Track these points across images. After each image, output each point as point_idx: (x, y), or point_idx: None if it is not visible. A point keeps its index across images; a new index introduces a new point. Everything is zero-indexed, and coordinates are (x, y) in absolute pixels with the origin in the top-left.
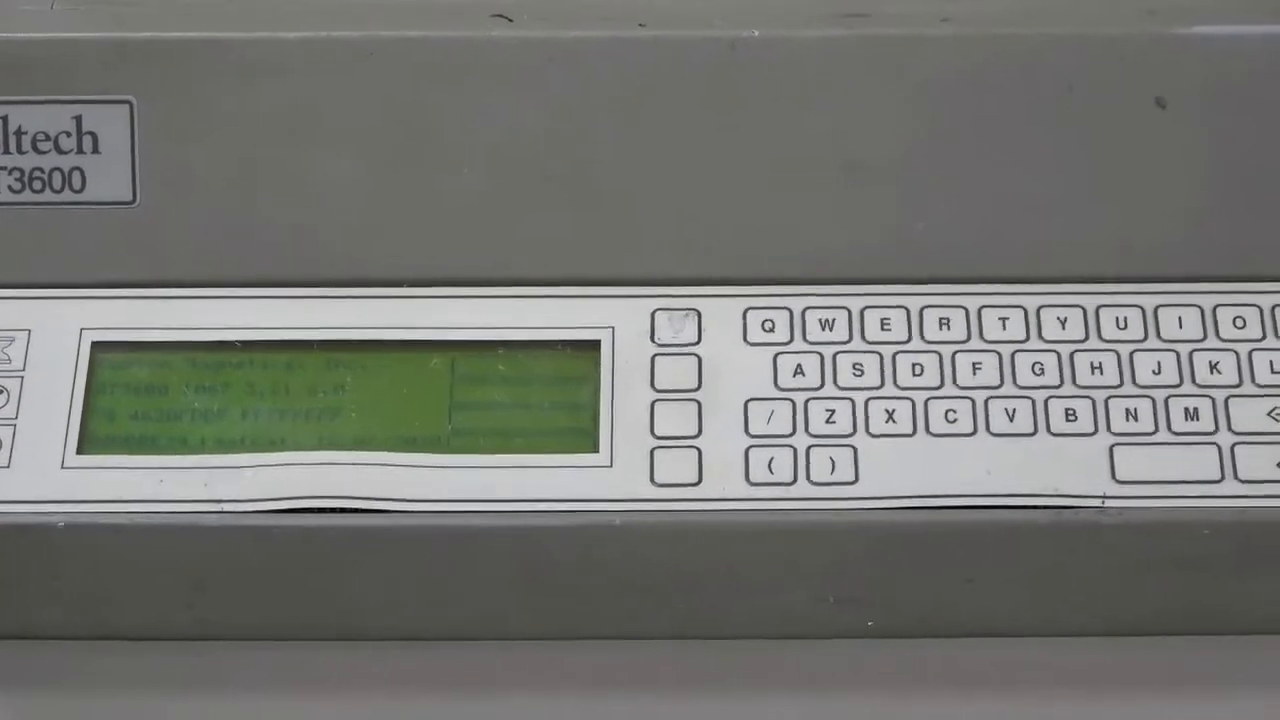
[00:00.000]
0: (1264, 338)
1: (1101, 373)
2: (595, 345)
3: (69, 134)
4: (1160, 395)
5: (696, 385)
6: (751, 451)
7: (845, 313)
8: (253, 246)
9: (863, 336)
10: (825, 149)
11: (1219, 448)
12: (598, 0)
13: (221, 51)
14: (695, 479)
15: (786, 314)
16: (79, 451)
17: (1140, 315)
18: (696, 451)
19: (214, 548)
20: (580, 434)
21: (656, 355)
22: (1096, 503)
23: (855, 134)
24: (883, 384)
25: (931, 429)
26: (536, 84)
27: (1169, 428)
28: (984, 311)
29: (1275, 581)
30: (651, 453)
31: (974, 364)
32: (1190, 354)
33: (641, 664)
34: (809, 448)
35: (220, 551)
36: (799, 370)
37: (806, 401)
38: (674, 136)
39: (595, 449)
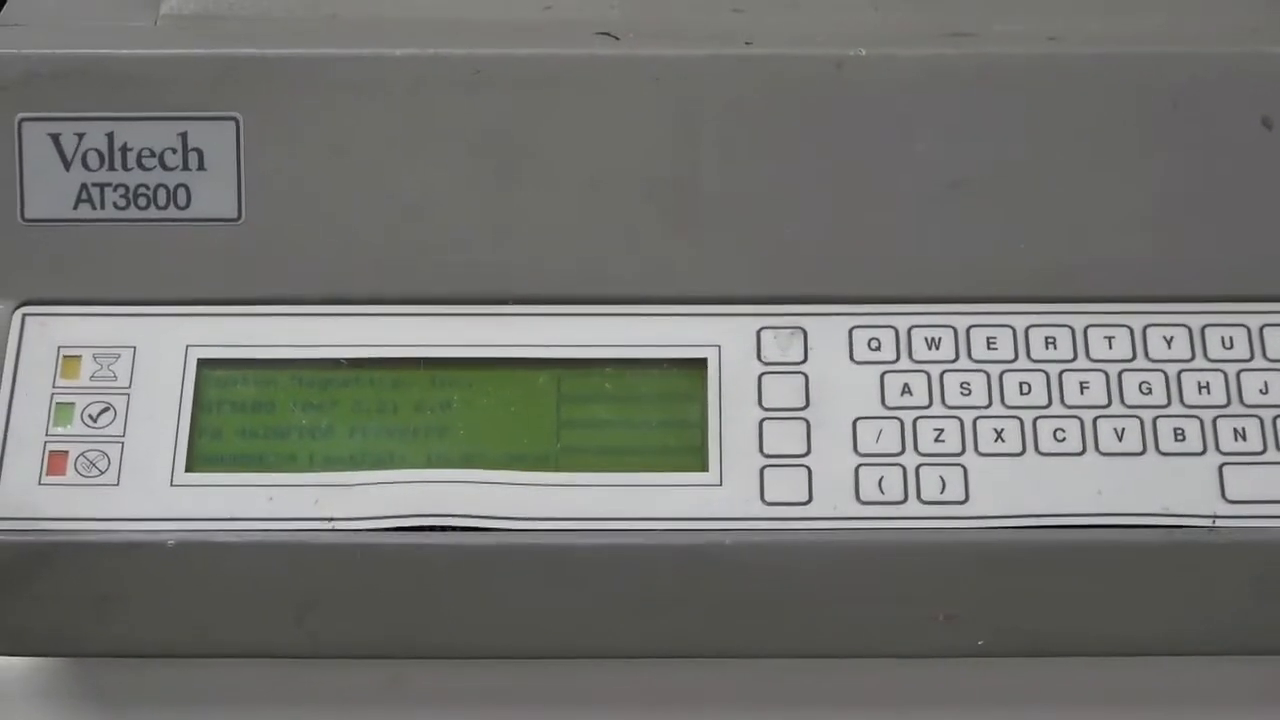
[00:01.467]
0: None
1: (1209, 392)
2: (702, 364)
3: (174, 150)
4: (1268, 414)
5: (804, 404)
6: (861, 470)
7: (951, 331)
8: (357, 264)
9: (969, 355)
10: (931, 167)
11: None
12: (704, 18)
13: (326, 68)
14: (805, 498)
15: (892, 332)
16: (187, 469)
17: (1246, 335)
18: (806, 470)
19: (324, 566)
20: (690, 452)
21: (763, 374)
22: (1207, 522)
23: (960, 152)
24: (990, 403)
25: (1041, 448)
26: (642, 102)
27: (1278, 447)
28: (1090, 331)
29: None
30: (761, 471)
31: (1081, 383)
32: None
33: (753, 682)
34: (919, 466)
35: (330, 569)
36: (906, 389)
37: (915, 420)
38: (779, 154)
39: (705, 468)
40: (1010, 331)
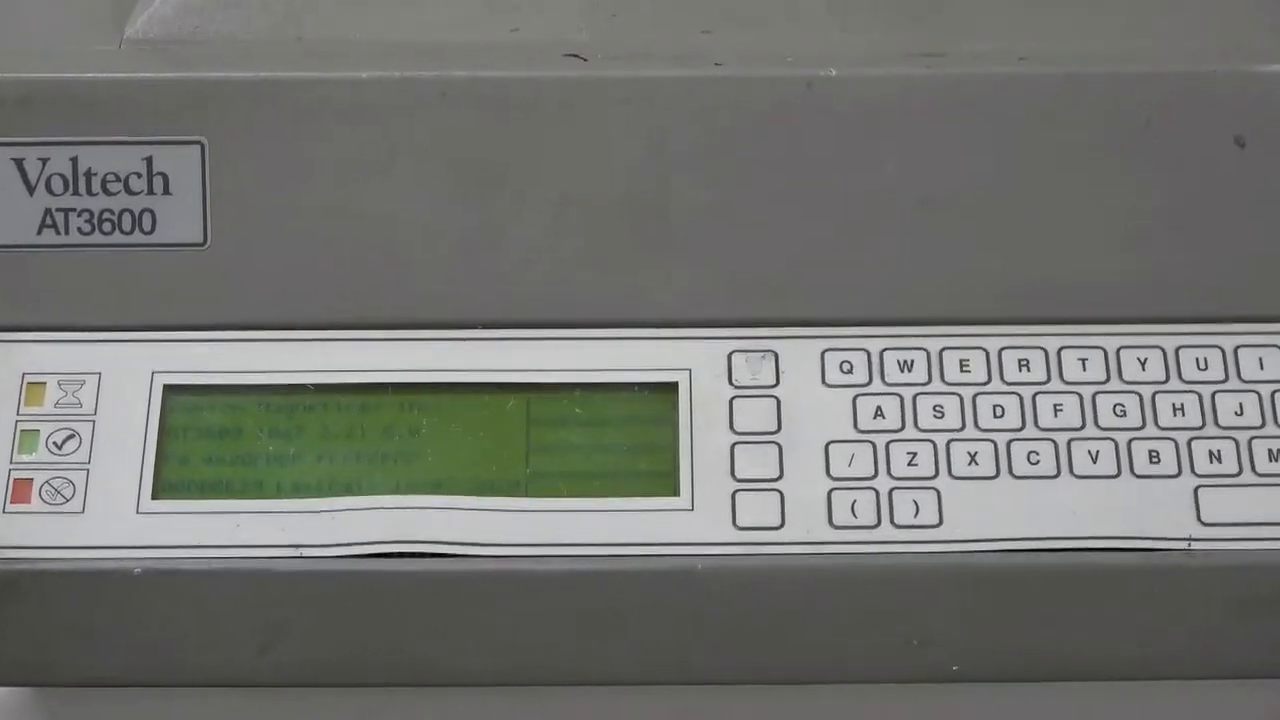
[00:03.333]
0: None
1: (1183, 414)
2: (673, 387)
3: (139, 175)
4: (1244, 436)
5: (776, 427)
6: (834, 494)
7: (924, 354)
8: (325, 288)
9: (942, 378)
10: (901, 188)
11: None
12: (673, 39)
13: (293, 92)
14: (778, 522)
15: (864, 355)
16: (154, 496)
17: (1220, 356)
18: (778, 494)
19: (292, 593)
20: (660, 477)
21: (735, 397)
22: (1183, 545)
23: (931, 173)
24: (964, 426)
25: (1015, 471)
26: (610, 123)
27: (1253, 469)
28: (1064, 353)
29: None
30: (733, 496)
31: (1055, 405)
32: (1272, 395)
33: (725, 710)
34: (891, 490)
35: (298, 597)
36: (879, 412)
37: (888, 444)
38: (749, 176)
39: (676, 492)
40: (983, 354)
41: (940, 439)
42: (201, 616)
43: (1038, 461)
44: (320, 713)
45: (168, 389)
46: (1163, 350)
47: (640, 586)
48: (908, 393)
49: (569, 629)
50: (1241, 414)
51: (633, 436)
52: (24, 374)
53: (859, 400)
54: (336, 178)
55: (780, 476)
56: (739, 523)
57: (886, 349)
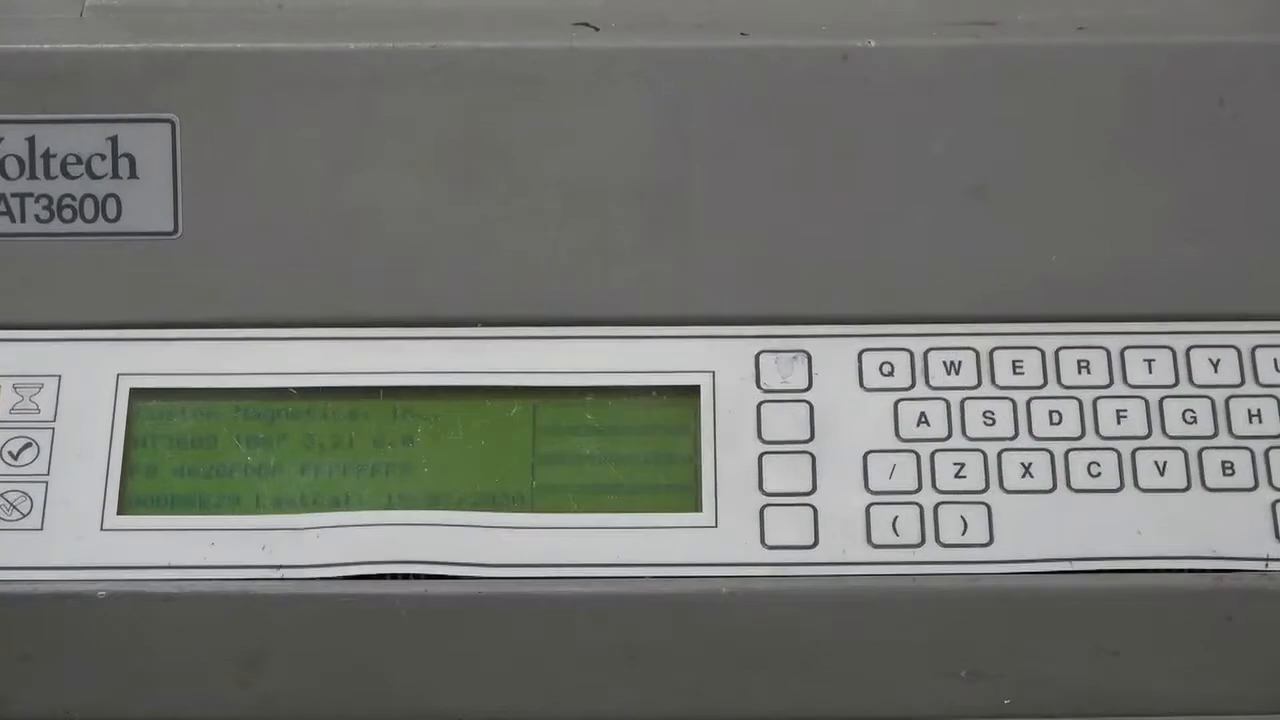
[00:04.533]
0: None
1: (1260, 420)
2: (694, 391)
3: (103, 156)
4: None
5: (809, 436)
6: (873, 510)
7: (973, 354)
8: (309, 282)
9: (993, 381)
10: (949, 172)
11: None
12: (694, 6)
13: (273, 65)
14: (811, 540)
15: (907, 356)
16: (119, 512)
17: None
18: (811, 510)
19: (273, 618)
20: (680, 491)
21: (763, 402)
22: (1259, 565)
23: (982, 155)
24: (1017, 434)
25: (1073, 484)
26: (625, 100)
27: None
28: (1128, 353)
29: None
30: (761, 511)
31: (1118, 411)
32: None
33: None
34: (937, 505)
35: (280, 622)
36: (923, 419)
37: (933, 454)
38: (779, 158)
39: (698, 507)
40: (1038, 354)
41: (991, 448)
42: (173, 645)
43: (1099, 473)
44: None
45: (134, 393)
46: (1237, 350)
47: (658, 612)
48: (954, 397)
49: (578, 659)
50: None
51: (650, 446)
52: None
53: (901, 405)
54: (322, 160)
55: (813, 490)
56: (768, 541)
57: (931, 349)
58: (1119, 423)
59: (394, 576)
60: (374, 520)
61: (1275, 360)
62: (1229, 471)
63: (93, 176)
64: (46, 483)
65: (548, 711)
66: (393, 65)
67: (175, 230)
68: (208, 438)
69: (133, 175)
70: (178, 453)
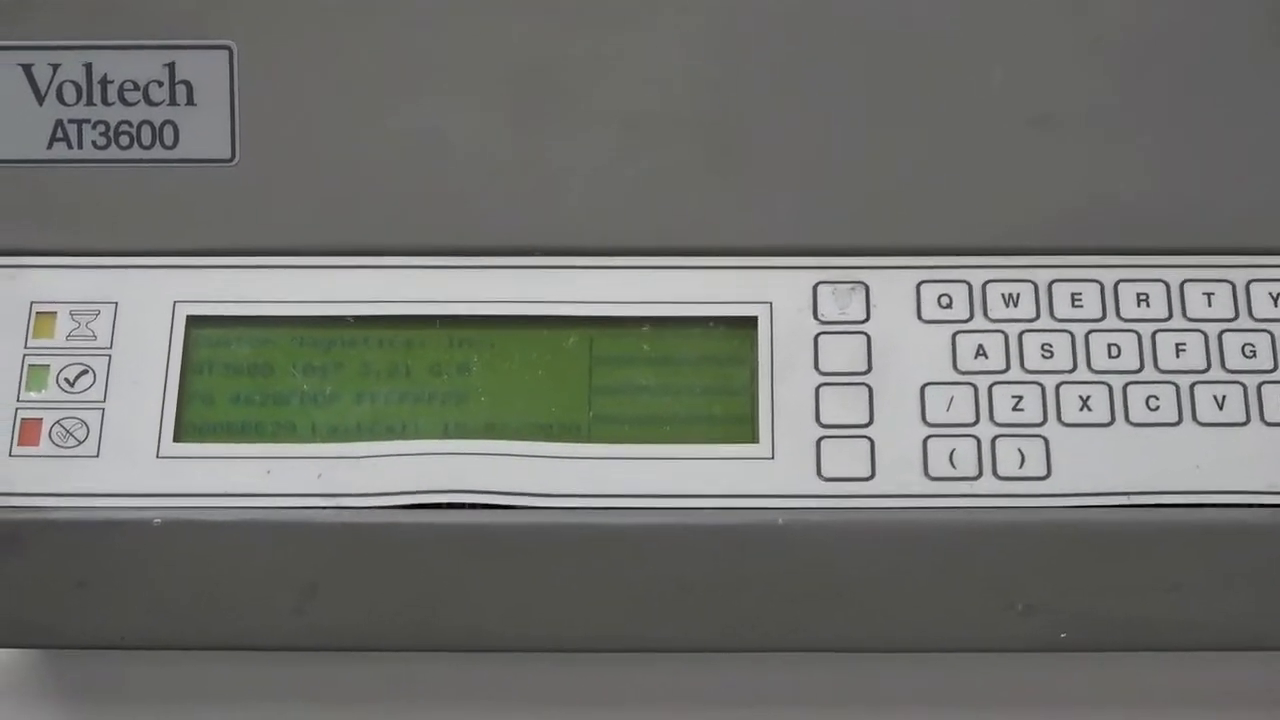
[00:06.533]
0: None
1: None
2: (751, 322)
3: (160, 83)
4: None
5: (866, 368)
6: (930, 442)
7: (1031, 286)
8: (365, 209)
9: (1051, 313)
10: (1009, 101)
11: None
12: None
13: None
14: (867, 473)
15: (965, 288)
16: (175, 439)
17: None
18: (868, 442)
19: (328, 547)
20: (737, 422)
21: (820, 334)
22: None
23: (1043, 83)
24: (1075, 367)
25: (1131, 418)
26: (682, 26)
27: None
28: (1187, 286)
29: None
30: (818, 443)
31: (1177, 345)
32: None
33: (807, 679)
34: (994, 438)
35: (335, 551)
36: (981, 351)
37: (990, 386)
38: (838, 86)
39: (754, 439)
40: (1097, 287)
41: (1049, 381)
42: (227, 572)
43: (1157, 407)
44: (358, 679)
45: (191, 320)
46: None
47: (714, 543)
48: (1013, 330)
49: (633, 589)
50: None
51: (707, 377)
52: (32, 303)
53: (958, 338)
54: (379, 86)
55: (870, 422)
56: (824, 473)
57: (989, 281)
58: (1178, 356)
59: (448, 506)
60: (430, 449)
61: None
62: None
63: (150, 103)
64: (103, 410)
65: (601, 642)
66: None
67: (232, 157)
68: (264, 365)
69: (190, 102)
70: (234, 380)
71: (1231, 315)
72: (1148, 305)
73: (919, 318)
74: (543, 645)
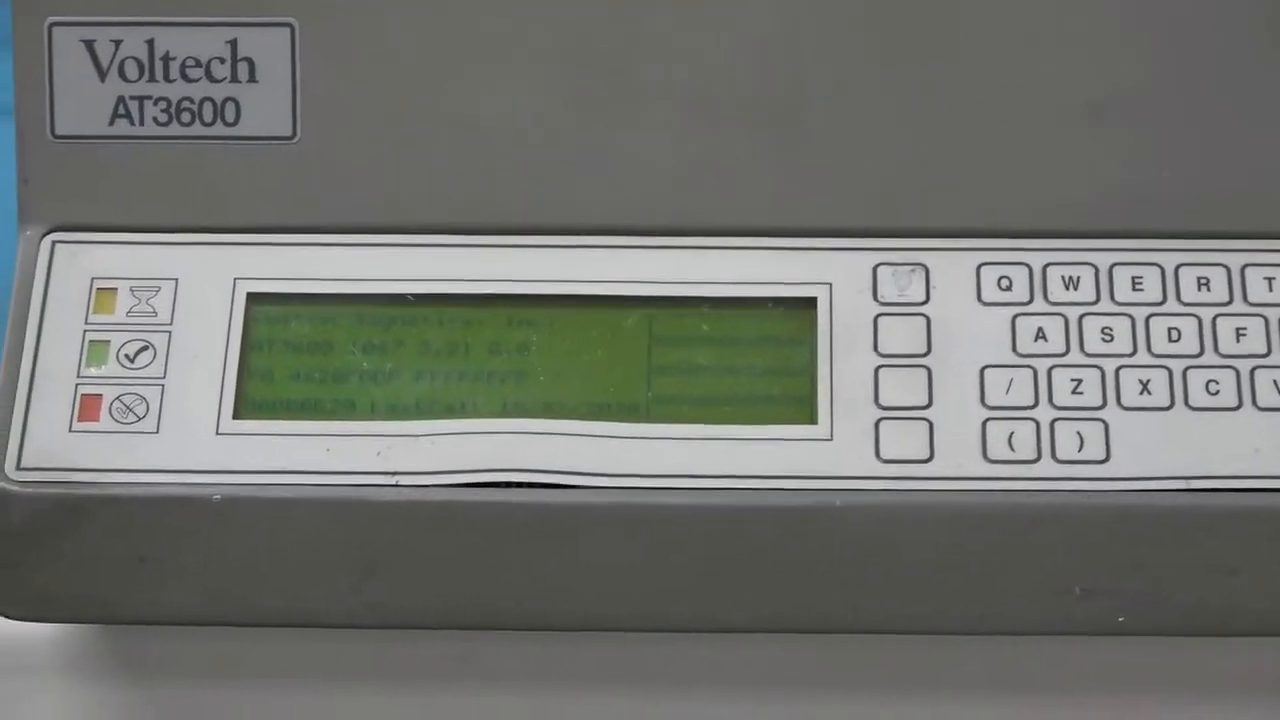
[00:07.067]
0: None
1: None
2: (811, 303)
3: (222, 60)
4: None
5: (926, 349)
6: (989, 425)
7: (1091, 270)
8: (426, 188)
9: (1112, 297)
10: (1067, 85)
11: None
12: None
13: None
14: (926, 455)
15: (1025, 270)
16: (235, 416)
17: None
18: (927, 424)
19: (387, 525)
20: (796, 403)
21: (880, 315)
22: None
23: (1101, 69)
24: (1135, 351)
25: (1191, 402)
26: (745, 5)
27: None
28: (1248, 270)
29: None
30: (876, 425)
31: (1237, 329)
32: None
33: (865, 661)
34: (1054, 421)
35: (394, 530)
36: (1040, 334)
37: (1050, 369)
38: (898, 70)
39: (813, 420)
40: (1158, 271)
41: (1109, 365)
42: (285, 550)
43: (1217, 391)
44: (417, 657)
45: (251, 297)
46: None
47: (772, 524)
48: (1073, 313)
49: (691, 570)
50: None
51: (766, 358)
52: (93, 279)
53: (1018, 320)
54: (440, 65)
55: (929, 404)
56: (883, 455)
57: (1050, 264)
58: (1238, 341)
59: (507, 485)
60: (489, 428)
61: None
62: None
63: (212, 80)
64: (163, 386)
65: (658, 622)
66: None
67: (294, 135)
68: (324, 343)
69: (252, 79)
70: (294, 357)
71: None
72: (1208, 289)
73: (979, 300)
74: (600, 624)
